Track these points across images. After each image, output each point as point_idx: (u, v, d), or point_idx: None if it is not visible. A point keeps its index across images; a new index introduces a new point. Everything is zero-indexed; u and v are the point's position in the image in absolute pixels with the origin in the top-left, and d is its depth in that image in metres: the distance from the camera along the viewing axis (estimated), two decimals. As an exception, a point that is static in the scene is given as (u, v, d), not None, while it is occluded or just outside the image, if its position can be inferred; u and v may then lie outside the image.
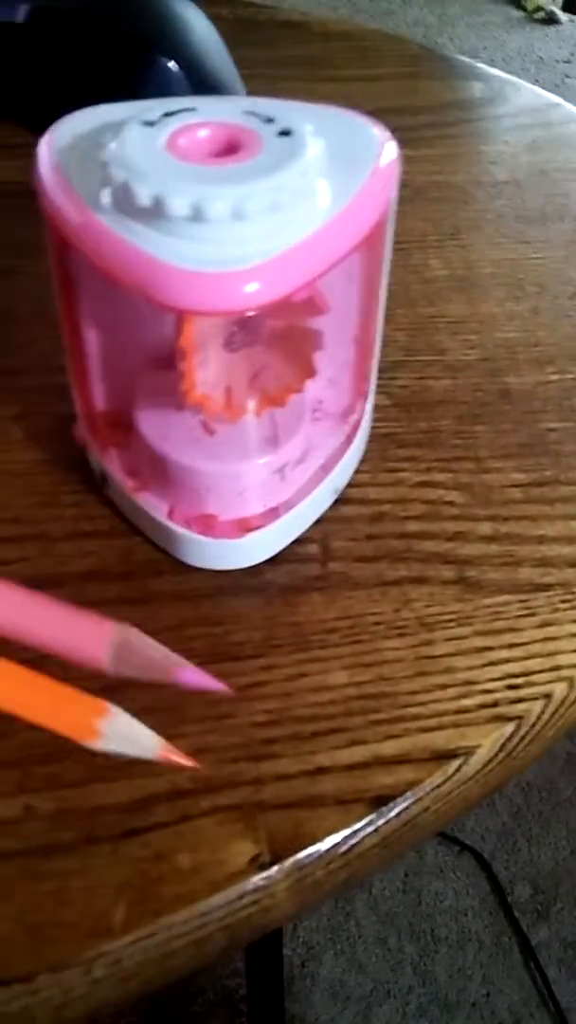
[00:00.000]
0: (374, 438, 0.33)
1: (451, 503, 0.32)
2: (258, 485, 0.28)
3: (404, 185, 0.27)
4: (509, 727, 0.26)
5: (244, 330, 0.26)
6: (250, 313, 0.22)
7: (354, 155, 0.24)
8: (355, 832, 0.23)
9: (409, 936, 1.02)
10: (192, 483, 0.28)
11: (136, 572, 0.29)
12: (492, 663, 0.27)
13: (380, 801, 0.24)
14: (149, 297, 0.22)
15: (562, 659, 0.27)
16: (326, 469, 0.30)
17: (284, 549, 0.29)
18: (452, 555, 0.30)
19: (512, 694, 0.26)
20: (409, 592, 0.29)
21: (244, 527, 0.28)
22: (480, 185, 0.51)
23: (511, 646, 0.28)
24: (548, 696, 0.26)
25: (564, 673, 0.27)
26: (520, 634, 0.28)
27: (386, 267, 0.28)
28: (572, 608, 0.29)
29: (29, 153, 0.25)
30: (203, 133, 0.23)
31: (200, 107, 0.24)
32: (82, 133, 0.25)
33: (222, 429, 0.28)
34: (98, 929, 0.21)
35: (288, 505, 0.29)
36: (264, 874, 0.22)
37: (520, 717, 0.26)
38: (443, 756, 0.25)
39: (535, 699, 0.26)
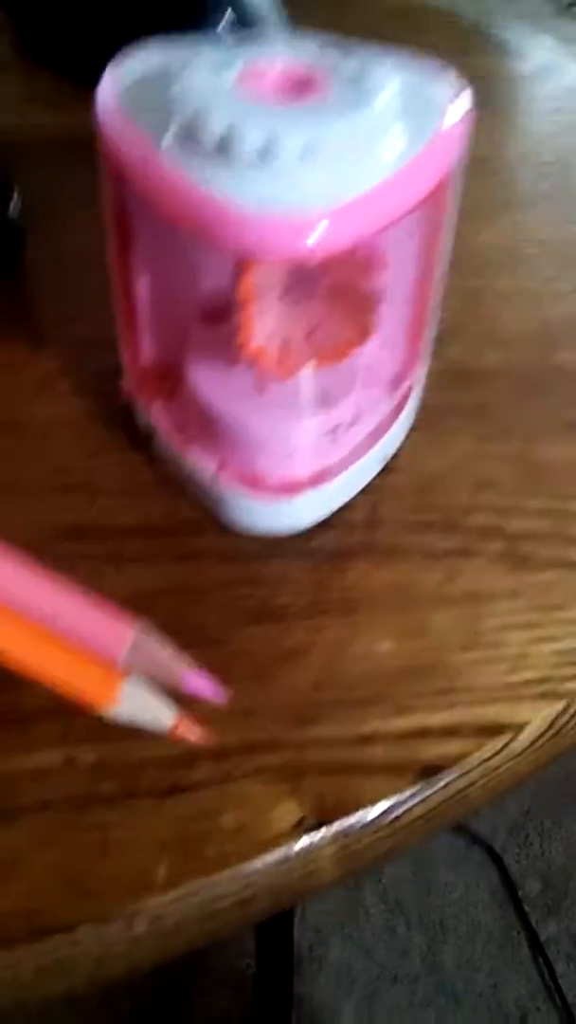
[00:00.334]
0: (424, 408, 0.32)
1: (501, 477, 0.31)
2: (309, 446, 0.27)
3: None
4: (559, 704, 0.25)
5: (302, 283, 0.25)
6: (315, 262, 0.21)
7: (428, 102, 0.24)
8: (402, 801, 0.23)
9: (418, 925, 1.02)
10: (242, 440, 0.27)
11: (181, 529, 0.28)
12: (542, 639, 0.27)
13: (429, 771, 0.23)
14: (211, 240, 0.21)
15: (615, 636, 0.27)
16: (376, 435, 0.29)
17: (331, 515, 0.28)
18: (501, 529, 0.29)
19: (562, 672, 0.26)
20: (457, 564, 0.28)
21: (292, 489, 0.27)
22: (527, 162, 0.49)
23: (561, 623, 0.27)
24: (601, 674, 0.26)
25: (617, 650, 0.26)
26: (570, 611, 0.27)
27: (449, 227, 0.27)
28: (626, 585, 0.28)
29: (74, 106, 0.25)
30: (274, 71, 0.23)
31: (272, 45, 0.24)
32: (147, 70, 0.24)
33: (275, 386, 0.27)
34: (140, 884, 0.21)
35: (337, 469, 0.28)
36: (309, 838, 0.22)
37: (571, 695, 0.25)
38: (492, 730, 0.24)
39: (587, 677, 0.26)
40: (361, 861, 0.23)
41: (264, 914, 0.22)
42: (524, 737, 0.24)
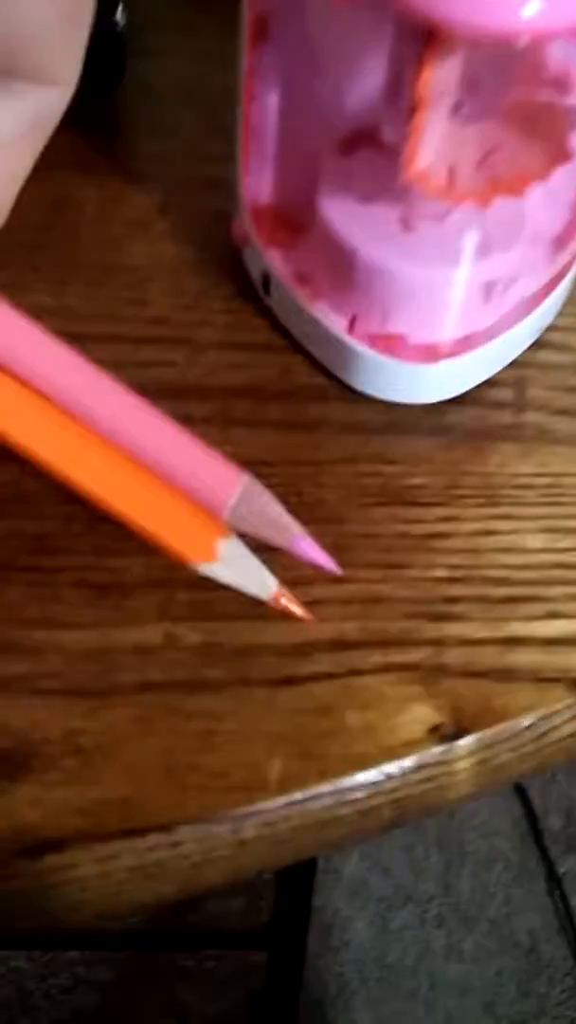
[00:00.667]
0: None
1: None
2: (459, 302, 0.23)
3: None
4: None
5: (477, 97, 0.21)
6: (526, 40, 0.17)
7: None
8: (553, 714, 0.20)
9: (436, 847, 1.02)
10: (381, 291, 0.23)
11: (297, 394, 0.24)
12: None
13: (582, 684, 0.20)
14: (403, 4, 0.17)
15: None
16: (533, 302, 0.25)
17: (473, 388, 0.25)
18: None
19: None
20: (612, 456, 0.24)
21: (435, 354, 0.23)
22: None
23: None
24: None
25: None
26: None
27: None
28: None
29: None
30: None
31: None
32: None
33: (425, 225, 0.23)
34: (250, 783, 0.18)
35: (488, 335, 0.24)
36: (446, 747, 0.19)
37: None
38: None
39: None
40: (500, 777, 0.20)
41: (386, 827, 0.19)
42: None
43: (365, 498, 0.23)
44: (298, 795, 0.18)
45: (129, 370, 0.24)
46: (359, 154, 0.24)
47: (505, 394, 0.25)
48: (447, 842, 1.03)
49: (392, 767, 0.19)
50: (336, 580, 0.21)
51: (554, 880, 1.01)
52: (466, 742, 0.19)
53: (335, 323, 0.24)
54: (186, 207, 0.29)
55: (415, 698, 0.19)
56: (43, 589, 0.20)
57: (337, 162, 0.24)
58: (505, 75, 0.22)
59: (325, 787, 0.18)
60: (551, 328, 0.26)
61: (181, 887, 0.18)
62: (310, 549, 0.21)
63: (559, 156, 0.21)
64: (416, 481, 0.23)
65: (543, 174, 0.21)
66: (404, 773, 0.19)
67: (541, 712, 0.20)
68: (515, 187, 0.21)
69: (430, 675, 0.20)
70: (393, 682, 0.20)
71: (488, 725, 0.19)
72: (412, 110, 0.20)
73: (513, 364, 0.25)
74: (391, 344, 0.23)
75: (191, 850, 0.18)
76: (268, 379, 0.25)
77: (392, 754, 0.19)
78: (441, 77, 0.20)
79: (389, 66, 0.21)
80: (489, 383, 0.25)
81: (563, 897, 1.00)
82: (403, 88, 0.21)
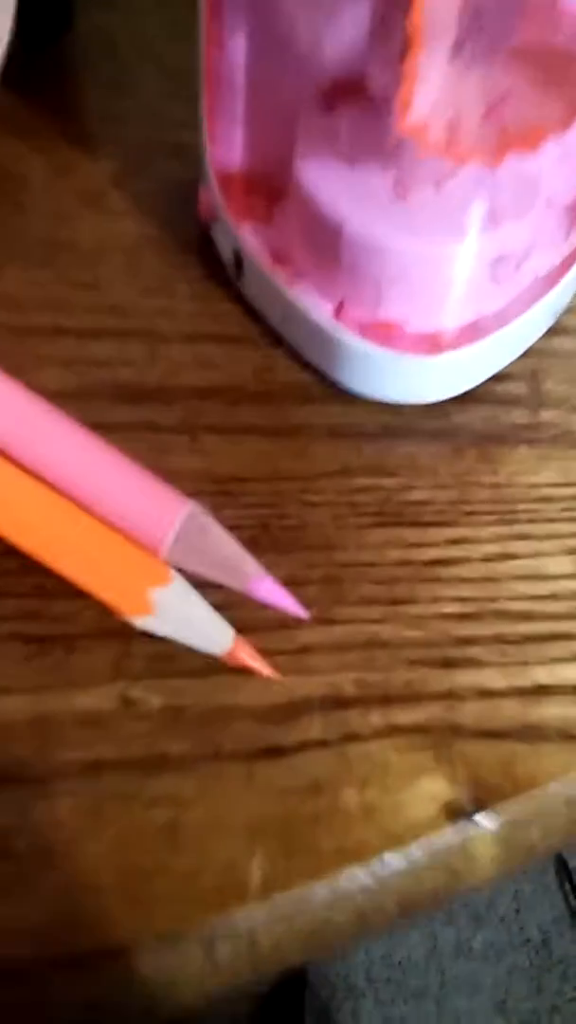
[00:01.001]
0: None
1: None
2: (464, 282, 0.20)
3: None
4: None
5: (482, 35, 0.17)
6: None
7: None
8: (590, 781, 0.16)
9: (442, 843, 0.99)
10: (372, 270, 0.19)
11: (277, 395, 0.21)
12: None
13: (623, 742, 0.17)
14: None
15: None
16: (549, 281, 0.21)
17: (481, 384, 0.21)
18: None
19: None
20: None
21: (436, 344, 0.20)
22: None
23: None
24: None
25: None
26: None
27: None
28: None
29: None
30: None
31: None
32: None
33: (423, 192, 0.19)
34: (225, 886, 0.15)
35: (497, 321, 0.20)
36: (462, 827, 0.15)
37: None
38: None
39: None
40: (527, 857, 0.16)
41: (390, 926, 0.16)
42: None
43: (359, 518, 0.19)
44: (282, 899, 0.15)
45: (78, 368, 0.21)
46: (343, 109, 0.20)
47: (518, 389, 0.21)
48: (453, 837, 1.00)
49: (398, 858, 0.15)
50: (326, 621, 0.17)
51: (564, 873, 0.99)
52: (487, 820, 0.16)
53: (320, 309, 0.20)
54: (148, 176, 0.25)
55: (424, 768, 0.16)
56: (-28, 642, 0.17)
57: (317, 119, 0.20)
58: (514, 9, 0.18)
59: (317, 887, 0.15)
60: (569, 311, 0.23)
61: (139, 1018, 0.15)
62: (271, 592, 0.17)
63: (582, 103, 0.17)
64: (418, 496, 0.19)
65: (560, 127, 0.17)
66: (413, 863, 0.15)
67: (572, 776, 0.16)
68: (528, 142, 0.17)
69: (441, 738, 0.16)
70: (397, 749, 0.16)
71: (512, 796, 0.16)
72: (404, 50, 0.16)
73: (527, 354, 0.22)
74: (386, 333, 0.20)
75: (151, 976, 0.14)
76: (242, 378, 0.21)
77: (398, 841, 0.15)
78: (439, 8, 0.16)
79: (376, -4, 0.17)
80: (499, 377, 0.21)
81: (574, 891, 0.98)
82: (393, 24, 0.17)
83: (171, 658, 0.17)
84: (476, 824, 0.16)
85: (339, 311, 0.20)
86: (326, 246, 0.20)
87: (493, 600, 0.18)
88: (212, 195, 0.22)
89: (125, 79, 0.27)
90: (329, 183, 0.20)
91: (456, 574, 0.18)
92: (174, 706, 0.16)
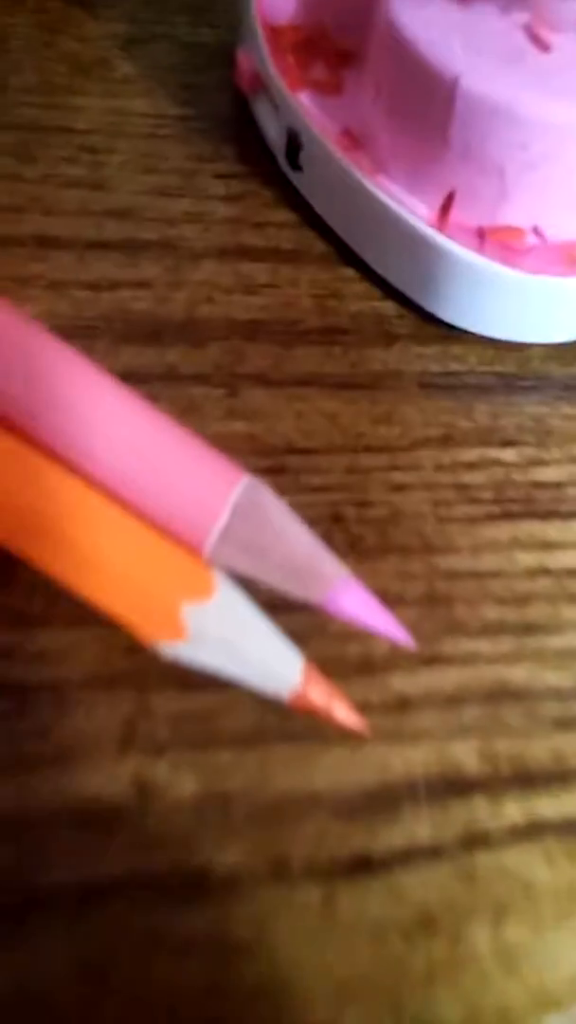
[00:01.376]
0: None
1: None
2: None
3: None
4: None
5: None
6: None
7: None
8: None
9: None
10: (495, 149, 0.13)
11: (348, 332, 0.15)
12: None
13: None
14: None
15: None
16: None
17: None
18: None
19: None
20: None
21: (572, 257, 0.14)
22: None
23: None
24: None
25: None
26: None
27: None
28: None
29: None
30: None
31: None
32: None
33: (569, 40, 0.13)
34: None
35: None
36: None
37: None
38: None
39: None
40: None
41: None
42: None
43: (470, 507, 0.14)
44: None
45: (72, 294, 0.15)
46: None
47: None
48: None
49: (561, 1039, 0.10)
50: (432, 659, 0.12)
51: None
52: None
53: (413, 210, 0.14)
54: (162, 40, 0.19)
55: (593, 891, 0.11)
56: None
57: None
58: None
59: None
60: None
61: None
62: (361, 606, 0.11)
63: None
64: (552, 475, 0.14)
65: None
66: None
67: None
68: None
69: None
70: (549, 858, 0.11)
71: None
72: None
73: None
74: (508, 244, 0.14)
75: None
76: (299, 308, 0.15)
77: (556, 1003, 0.10)
78: None
79: None
80: None
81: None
82: None
83: (211, 715, 0.11)
84: None
85: (442, 213, 0.14)
86: (426, 118, 0.14)
87: None
88: (256, 58, 0.16)
89: None
90: (431, 28, 0.14)
91: (612, 589, 0.13)
92: (216, 793, 0.11)
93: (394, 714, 0.12)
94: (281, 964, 0.10)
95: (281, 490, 0.12)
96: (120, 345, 0.15)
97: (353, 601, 0.11)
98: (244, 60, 0.17)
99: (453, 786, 0.11)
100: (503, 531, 0.13)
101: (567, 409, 0.15)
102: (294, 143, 0.16)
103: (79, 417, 0.12)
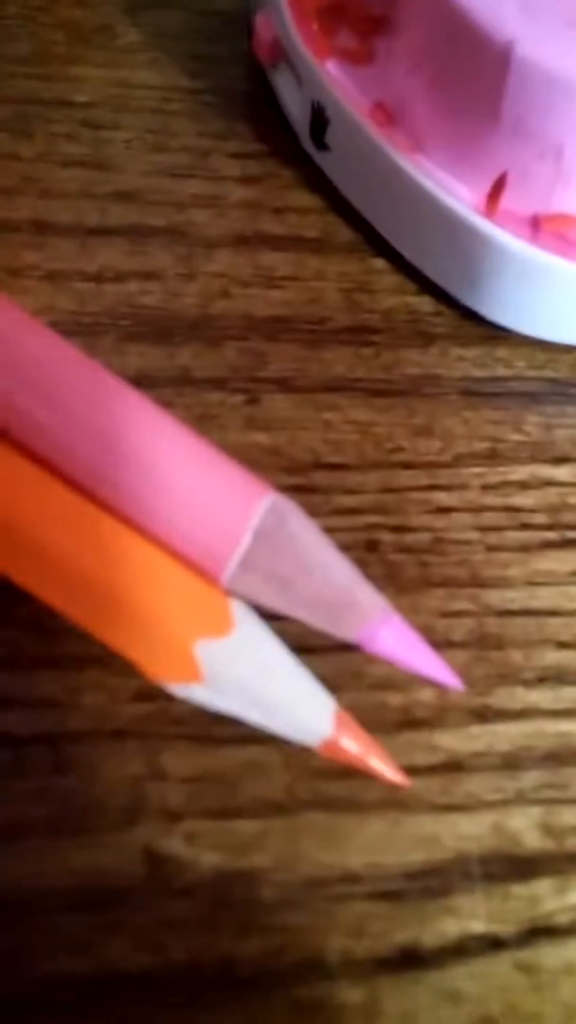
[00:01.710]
0: None
1: None
2: None
3: None
4: None
5: None
6: None
7: None
8: None
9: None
10: (553, 125, 0.12)
11: (381, 331, 0.14)
12: None
13: None
14: None
15: None
16: None
17: None
18: None
19: None
20: None
21: None
22: None
23: None
24: None
25: None
26: None
27: None
28: None
29: None
30: None
31: None
32: None
33: None
34: None
35: None
36: None
37: None
38: None
39: None
40: None
41: None
42: None
43: (521, 533, 0.12)
44: None
45: (72, 287, 0.13)
46: None
47: None
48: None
49: None
50: (484, 713, 0.11)
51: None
52: None
53: (456, 194, 0.13)
54: (167, 1, 0.17)
55: None
56: None
57: None
58: None
59: None
60: None
61: None
62: (402, 644, 0.10)
63: None
64: (611, 495, 0.12)
65: None
66: None
67: None
68: None
69: None
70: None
71: None
72: None
73: None
74: (566, 235, 0.12)
75: None
76: (326, 304, 0.14)
77: None
78: None
79: None
80: None
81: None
82: None
83: (232, 777, 0.10)
84: None
85: (490, 198, 0.13)
86: (473, 90, 0.12)
87: None
88: (276, 24, 0.15)
89: None
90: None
91: None
92: (239, 870, 0.09)
93: (441, 777, 0.10)
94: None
95: (308, 509, 0.10)
96: (126, 344, 0.13)
97: (394, 637, 0.10)
98: (263, 27, 0.15)
99: (512, 865, 0.10)
100: (561, 561, 0.12)
101: (627, 420, 0.13)
102: (319, 119, 0.14)
103: (79, 423, 0.10)
